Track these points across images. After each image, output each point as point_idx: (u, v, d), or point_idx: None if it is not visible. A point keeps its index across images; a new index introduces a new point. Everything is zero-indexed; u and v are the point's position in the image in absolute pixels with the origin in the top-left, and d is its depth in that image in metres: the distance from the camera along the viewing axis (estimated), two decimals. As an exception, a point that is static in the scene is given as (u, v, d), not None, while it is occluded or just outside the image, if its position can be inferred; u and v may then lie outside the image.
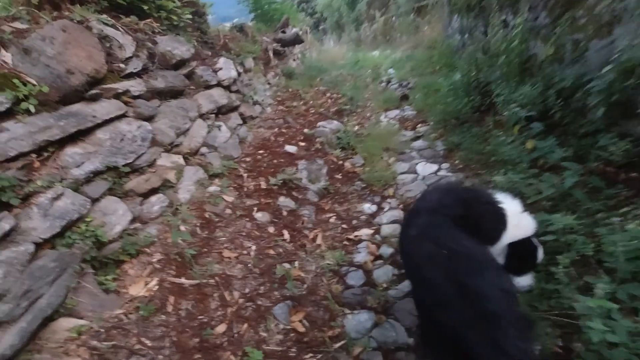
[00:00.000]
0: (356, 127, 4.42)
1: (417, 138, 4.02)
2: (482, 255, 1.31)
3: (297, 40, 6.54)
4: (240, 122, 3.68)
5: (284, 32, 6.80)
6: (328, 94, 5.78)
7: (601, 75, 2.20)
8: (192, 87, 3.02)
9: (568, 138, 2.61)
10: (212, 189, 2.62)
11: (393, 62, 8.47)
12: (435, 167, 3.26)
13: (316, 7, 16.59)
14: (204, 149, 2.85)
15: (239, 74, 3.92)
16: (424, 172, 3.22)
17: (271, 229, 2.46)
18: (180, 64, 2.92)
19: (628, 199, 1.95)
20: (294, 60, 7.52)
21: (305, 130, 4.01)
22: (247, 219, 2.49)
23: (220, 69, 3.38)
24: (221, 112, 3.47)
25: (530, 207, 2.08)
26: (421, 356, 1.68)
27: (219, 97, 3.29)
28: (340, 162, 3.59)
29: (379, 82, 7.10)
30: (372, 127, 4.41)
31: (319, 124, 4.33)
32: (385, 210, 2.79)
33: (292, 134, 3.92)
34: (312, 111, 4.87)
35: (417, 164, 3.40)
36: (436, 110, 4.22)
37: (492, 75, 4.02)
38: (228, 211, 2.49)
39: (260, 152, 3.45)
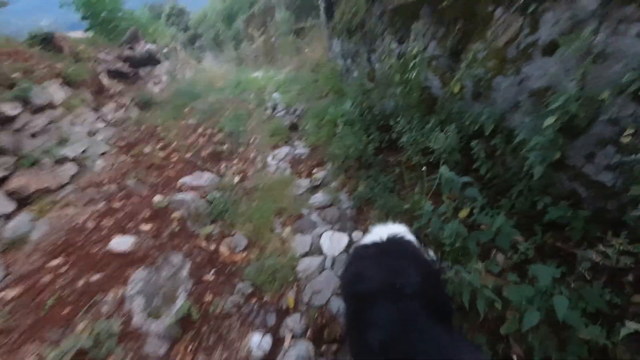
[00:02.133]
0: (237, 178, 3.15)
1: (315, 188, 3.03)
2: None
3: (151, 59, 4.82)
4: (13, 207, 1.93)
5: (131, 48, 4.96)
6: (200, 129, 4.30)
7: (540, 129, 1.61)
8: None
9: (495, 196, 2.02)
10: None
11: (278, 84, 7.51)
12: (345, 238, 2.28)
13: (189, 22, 14.50)
14: None
15: (12, 117, 2.14)
16: (332, 249, 2.20)
17: None
18: None
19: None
20: (156, 84, 5.66)
21: (156, 199, 2.50)
22: None
23: None
24: (-50, 201, 1.68)
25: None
26: None
27: None
28: (213, 247, 2.26)
29: (263, 108, 5.99)
30: (257, 176, 3.22)
31: (182, 181, 2.88)
32: (286, 346, 1.62)
33: (130, 209, 2.36)
34: (175, 159, 3.34)
35: (321, 234, 2.37)
36: (333, 149, 3.35)
37: (387, 106, 3.42)
38: None
39: (56, 262, 1.80)
